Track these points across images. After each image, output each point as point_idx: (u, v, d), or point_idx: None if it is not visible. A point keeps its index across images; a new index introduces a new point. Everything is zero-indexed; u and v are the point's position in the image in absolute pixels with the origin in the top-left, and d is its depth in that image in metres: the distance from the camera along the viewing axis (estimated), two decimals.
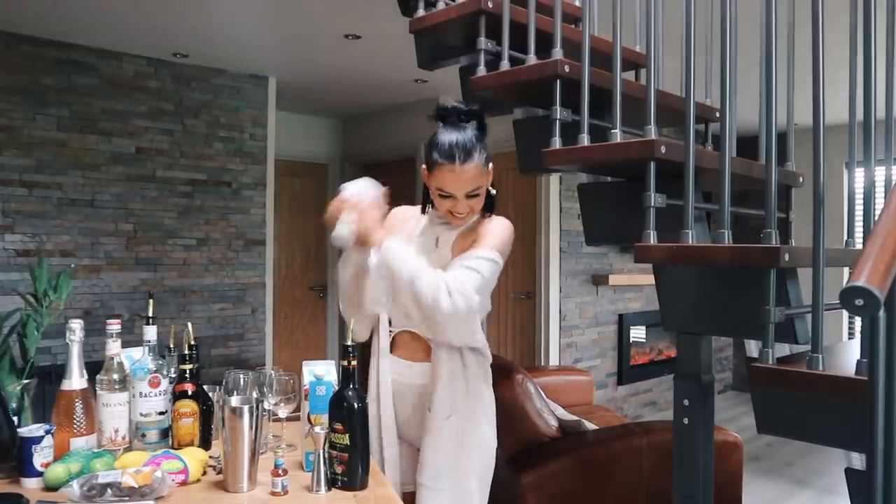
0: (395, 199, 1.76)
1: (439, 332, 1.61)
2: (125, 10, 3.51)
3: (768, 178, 1.40)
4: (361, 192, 1.65)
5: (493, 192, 1.72)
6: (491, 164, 1.68)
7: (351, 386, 1.37)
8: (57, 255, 3.95)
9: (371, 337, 1.78)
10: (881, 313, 0.97)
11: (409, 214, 1.85)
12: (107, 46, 4.12)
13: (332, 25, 3.75)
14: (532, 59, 1.90)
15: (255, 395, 1.52)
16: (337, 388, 1.42)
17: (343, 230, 1.59)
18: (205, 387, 1.57)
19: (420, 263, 1.55)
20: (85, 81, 4.09)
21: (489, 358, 1.77)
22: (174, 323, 1.94)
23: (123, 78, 4.24)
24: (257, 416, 1.33)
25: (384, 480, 1.42)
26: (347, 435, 1.35)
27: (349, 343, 1.40)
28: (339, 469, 1.35)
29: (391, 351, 1.74)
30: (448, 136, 1.62)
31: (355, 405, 1.36)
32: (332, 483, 1.35)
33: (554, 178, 5.05)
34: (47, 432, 1.34)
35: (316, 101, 5.64)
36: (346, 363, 1.38)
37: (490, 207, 1.74)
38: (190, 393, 1.51)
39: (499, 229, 1.70)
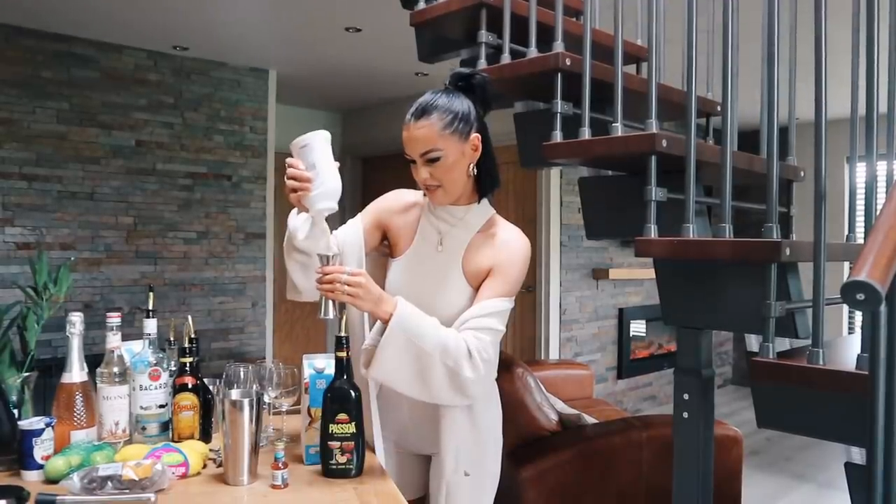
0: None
1: (452, 397, 1.44)
2: (125, 2, 3.50)
3: (770, 172, 1.39)
4: (319, 165, 1.41)
5: (472, 168, 1.49)
6: (473, 136, 1.47)
7: (345, 377, 1.37)
8: (57, 249, 3.95)
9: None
10: (882, 308, 0.97)
11: (410, 201, 1.63)
12: (107, 39, 4.11)
13: (333, 18, 3.74)
14: (533, 52, 1.89)
15: (255, 388, 1.52)
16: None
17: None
18: (205, 380, 1.57)
19: (438, 328, 1.41)
20: (85, 74, 4.08)
21: (496, 392, 1.66)
22: (174, 316, 1.94)
23: (123, 71, 4.23)
24: (257, 409, 1.33)
25: (383, 472, 1.42)
26: (354, 423, 1.36)
27: (342, 334, 1.39)
28: (343, 458, 1.36)
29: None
30: (421, 97, 1.47)
31: (353, 394, 1.37)
32: (335, 473, 1.36)
33: (555, 172, 5.05)
34: (48, 425, 1.34)
35: (316, 95, 5.63)
36: (340, 354, 1.38)
37: (485, 189, 1.55)
38: (190, 386, 1.51)
39: (519, 262, 1.50)
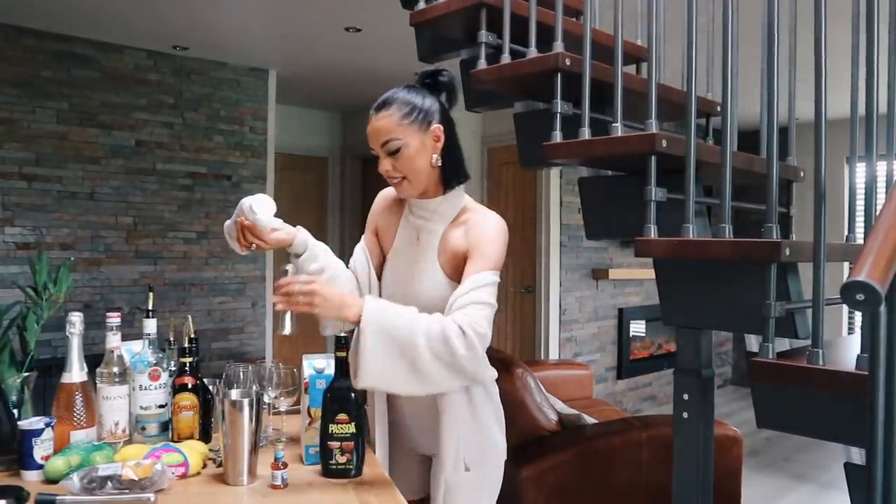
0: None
1: (451, 381, 1.40)
2: (125, 2, 3.50)
3: (770, 172, 1.39)
4: (260, 220, 1.50)
5: (436, 159, 1.51)
6: (434, 127, 1.49)
7: (345, 377, 1.37)
8: (57, 249, 3.95)
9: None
10: (882, 308, 0.97)
11: (395, 197, 1.67)
12: (107, 39, 4.11)
13: (333, 18, 3.74)
14: (533, 52, 1.89)
15: (255, 388, 1.52)
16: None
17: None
18: (205, 380, 1.57)
19: (414, 314, 1.38)
20: (85, 74, 4.08)
21: (495, 390, 1.63)
22: (174, 316, 1.94)
23: (123, 71, 4.23)
24: (257, 409, 1.33)
25: (383, 473, 1.42)
26: (353, 424, 1.36)
27: (342, 333, 1.39)
28: (342, 459, 1.36)
29: None
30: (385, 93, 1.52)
31: (352, 394, 1.37)
32: (335, 473, 1.36)
33: (554, 172, 5.05)
34: (47, 425, 1.34)
35: (316, 95, 5.63)
36: (340, 354, 1.38)
37: (449, 180, 1.55)
38: (190, 386, 1.51)
39: (494, 238, 1.49)
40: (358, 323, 1.34)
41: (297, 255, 1.57)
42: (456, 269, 1.50)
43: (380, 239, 1.69)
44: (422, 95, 1.51)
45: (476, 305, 1.40)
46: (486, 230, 1.50)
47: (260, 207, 1.50)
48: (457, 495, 1.53)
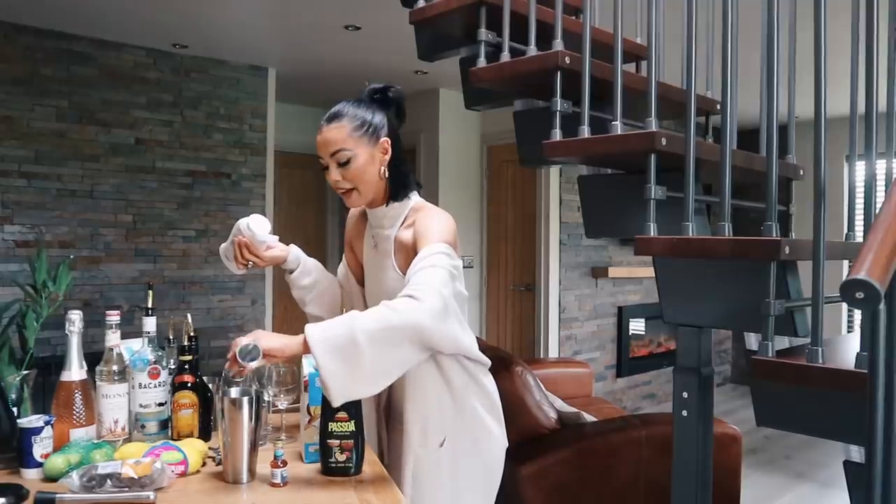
0: None
1: (412, 346, 1.33)
2: (125, 0, 3.49)
3: (769, 170, 1.39)
4: (255, 239, 1.65)
5: (384, 171, 1.56)
6: (382, 140, 1.55)
7: None
8: (56, 247, 3.95)
9: None
10: (881, 306, 0.97)
11: (362, 211, 1.73)
12: (106, 37, 4.11)
13: (333, 16, 3.74)
14: (533, 50, 1.89)
15: (254, 386, 1.52)
16: None
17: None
18: (204, 378, 1.57)
19: (351, 315, 1.33)
20: (84, 72, 4.07)
21: (485, 363, 1.59)
22: (174, 314, 1.95)
23: (123, 69, 4.23)
24: (257, 407, 1.33)
25: (383, 470, 1.42)
26: (353, 422, 1.36)
27: None
28: (342, 457, 1.36)
29: None
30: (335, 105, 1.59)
31: None
32: (334, 471, 1.36)
33: (554, 171, 5.05)
34: (47, 423, 1.34)
35: (316, 93, 5.62)
36: None
37: (397, 190, 1.59)
38: (189, 384, 1.51)
39: (436, 221, 1.52)
40: (307, 347, 1.30)
41: (291, 271, 1.73)
42: (409, 263, 1.48)
43: (355, 252, 1.78)
44: (371, 110, 1.58)
45: (423, 271, 1.37)
46: (427, 217, 1.55)
47: (256, 225, 1.62)
48: (428, 477, 1.49)
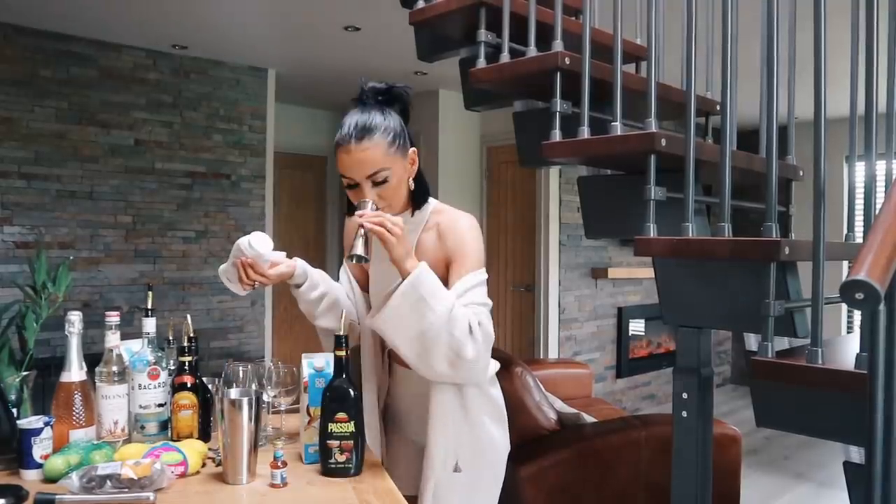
0: None
1: (445, 369, 1.41)
2: (124, 1, 3.49)
3: (769, 171, 1.39)
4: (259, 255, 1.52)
5: (411, 181, 1.52)
6: (411, 151, 1.50)
7: (344, 375, 1.37)
8: (56, 248, 3.95)
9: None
10: (881, 307, 0.97)
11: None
12: (106, 38, 4.11)
13: (332, 17, 3.74)
14: (532, 51, 1.89)
15: (254, 387, 1.52)
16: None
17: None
18: (204, 379, 1.57)
19: (450, 305, 1.39)
20: (84, 73, 4.07)
21: (494, 383, 1.62)
22: (173, 315, 1.95)
23: (122, 70, 4.23)
24: (256, 408, 1.33)
25: (382, 471, 1.42)
26: (353, 423, 1.36)
27: (341, 333, 1.39)
28: (342, 458, 1.36)
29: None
30: (351, 117, 1.45)
31: (352, 393, 1.37)
32: (334, 472, 1.36)
33: (554, 171, 5.05)
34: (46, 424, 1.34)
35: (315, 94, 5.63)
36: (339, 353, 1.38)
37: (421, 200, 1.56)
38: (189, 385, 1.51)
39: (470, 238, 1.50)
40: (405, 276, 1.38)
41: (298, 286, 1.61)
42: (435, 273, 1.47)
43: None
44: (392, 117, 1.48)
45: (476, 306, 1.43)
46: (461, 233, 1.51)
47: (258, 243, 1.50)
48: (449, 496, 1.52)
